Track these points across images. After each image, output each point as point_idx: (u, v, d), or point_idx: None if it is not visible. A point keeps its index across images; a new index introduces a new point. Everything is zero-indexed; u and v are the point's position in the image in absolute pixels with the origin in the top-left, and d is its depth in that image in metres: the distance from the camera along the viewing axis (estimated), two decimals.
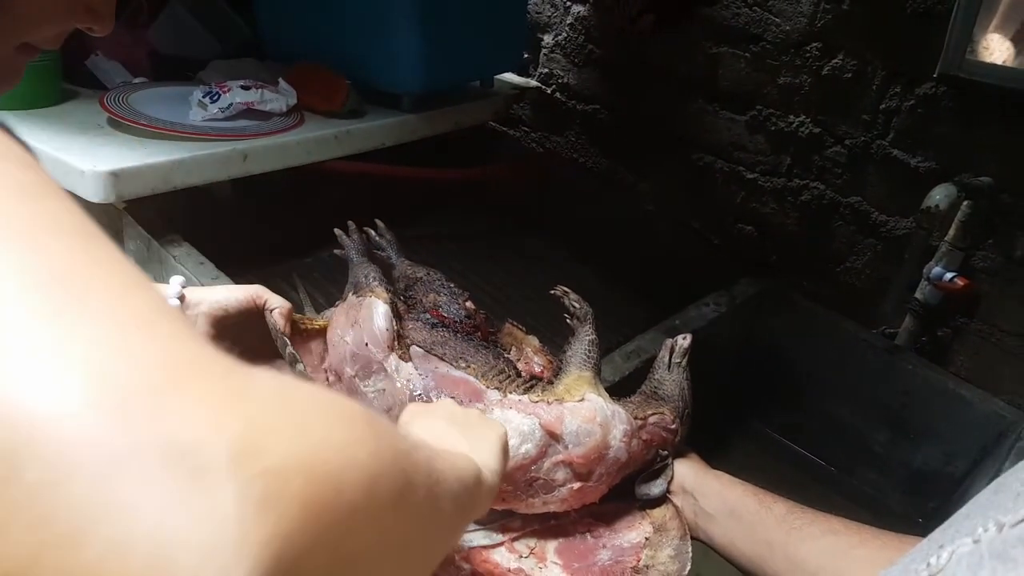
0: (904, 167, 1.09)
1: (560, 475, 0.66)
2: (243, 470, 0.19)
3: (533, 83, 1.53)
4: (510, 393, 0.67)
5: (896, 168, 1.10)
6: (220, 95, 1.16)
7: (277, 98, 1.19)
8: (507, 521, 0.71)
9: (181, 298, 0.68)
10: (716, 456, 1.06)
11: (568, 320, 0.78)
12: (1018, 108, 0.97)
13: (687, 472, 0.73)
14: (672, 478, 0.72)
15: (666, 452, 0.72)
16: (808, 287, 1.24)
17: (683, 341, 0.78)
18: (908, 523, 1.07)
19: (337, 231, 0.83)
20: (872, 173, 1.13)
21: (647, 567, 0.67)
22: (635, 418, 0.69)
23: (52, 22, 0.47)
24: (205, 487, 0.19)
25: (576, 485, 0.66)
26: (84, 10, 0.48)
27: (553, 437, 0.65)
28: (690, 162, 1.34)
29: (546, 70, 1.53)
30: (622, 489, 0.72)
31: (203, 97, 1.15)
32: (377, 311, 0.71)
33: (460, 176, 1.33)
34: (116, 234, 1.11)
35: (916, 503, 1.08)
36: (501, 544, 0.70)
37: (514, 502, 0.68)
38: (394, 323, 0.71)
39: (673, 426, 0.72)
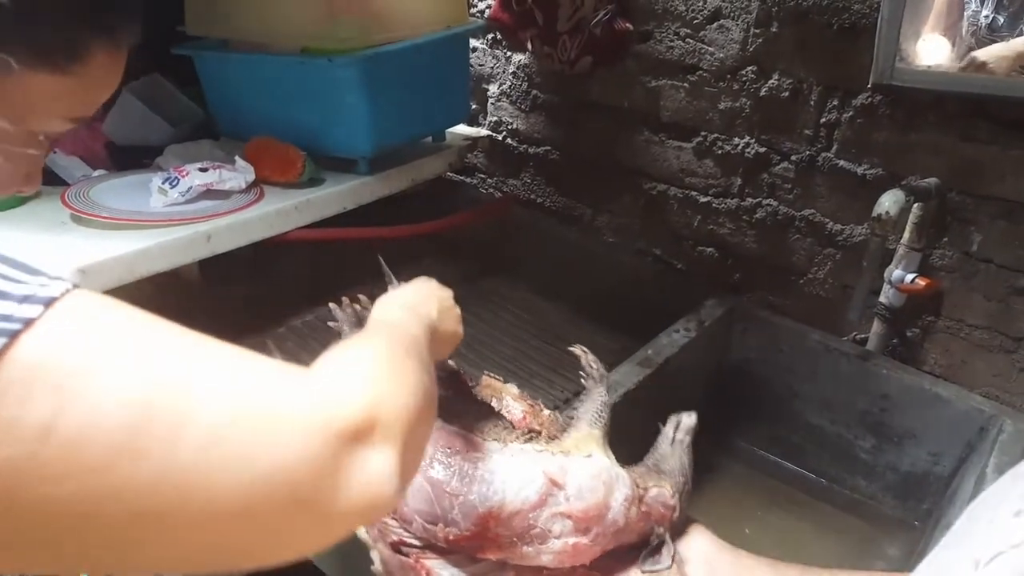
0: (852, 176, 1.12)
1: (557, 527, 0.66)
2: (378, 430, 0.38)
3: (484, 132, 1.57)
4: (511, 443, 0.68)
5: (844, 178, 1.13)
6: (179, 179, 1.17)
7: (235, 176, 1.21)
8: (499, 572, 0.71)
9: None
10: (705, 481, 1.07)
11: (583, 379, 0.81)
12: (953, 108, 1.01)
13: (704, 546, 0.74)
14: (675, 553, 0.72)
15: (662, 529, 0.72)
16: (774, 302, 1.26)
17: (688, 419, 0.80)
18: (904, 528, 1.07)
19: (331, 305, 0.85)
20: (821, 185, 1.16)
21: None
22: (636, 486, 0.70)
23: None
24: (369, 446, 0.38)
25: (572, 540, 0.66)
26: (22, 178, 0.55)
27: (555, 487, 0.65)
28: (644, 192, 1.37)
29: (495, 118, 1.57)
30: (615, 556, 0.72)
31: (163, 183, 1.16)
32: None
33: (422, 230, 1.35)
34: None
35: (909, 506, 1.09)
36: None
37: (509, 549, 0.68)
38: None
39: (672, 502, 0.72)
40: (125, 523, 0.32)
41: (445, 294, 0.71)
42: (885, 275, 1.10)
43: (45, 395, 0.31)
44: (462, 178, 1.63)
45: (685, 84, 1.25)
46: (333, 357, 0.43)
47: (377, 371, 0.42)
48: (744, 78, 1.18)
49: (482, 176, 1.63)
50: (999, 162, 0.99)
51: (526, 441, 0.70)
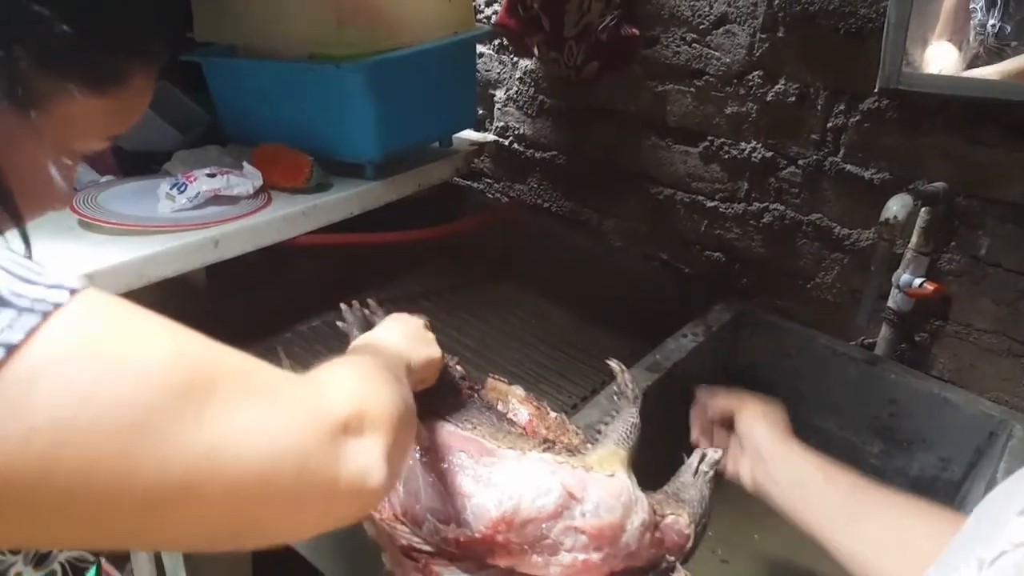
0: (859, 180, 1.12)
1: (569, 541, 0.66)
2: (366, 424, 0.45)
3: (490, 137, 1.57)
4: (529, 452, 0.68)
5: (851, 182, 1.13)
6: (187, 185, 1.18)
7: (243, 181, 1.21)
8: None
9: None
10: (716, 485, 1.07)
11: (616, 397, 0.81)
12: (959, 113, 1.01)
13: (764, 437, 0.77)
14: None
15: (673, 559, 0.72)
16: (781, 307, 1.26)
17: (713, 454, 0.80)
18: None
19: (343, 305, 0.87)
20: (829, 189, 1.16)
21: None
22: (654, 512, 0.70)
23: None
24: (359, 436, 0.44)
25: (582, 556, 0.66)
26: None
27: (572, 500, 0.65)
28: (650, 196, 1.37)
29: (501, 123, 1.57)
30: None
31: (170, 189, 1.17)
32: None
33: (428, 235, 1.35)
34: None
35: None
36: None
37: (518, 557, 0.68)
38: None
39: (687, 531, 0.72)
40: (157, 493, 0.35)
41: (414, 323, 0.75)
42: (893, 279, 1.10)
43: (82, 367, 0.34)
44: (468, 183, 1.63)
45: (691, 89, 1.26)
46: (324, 368, 0.52)
47: (362, 379, 0.50)
48: (751, 83, 1.18)
49: (489, 181, 1.63)
50: (1006, 166, 0.99)
51: (545, 450, 0.70)
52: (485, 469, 0.69)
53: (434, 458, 0.71)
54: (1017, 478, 0.43)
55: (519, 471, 0.68)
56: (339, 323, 0.85)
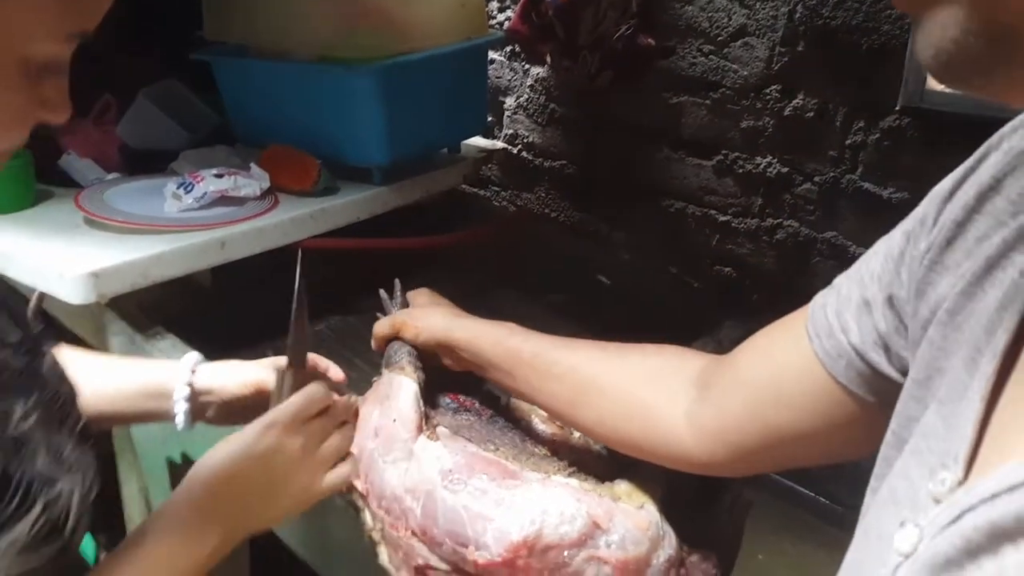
0: (876, 199, 1.11)
1: (591, 571, 0.63)
2: None
3: (499, 144, 1.56)
4: (554, 475, 0.66)
5: (868, 201, 1.12)
6: (194, 185, 1.16)
7: (250, 183, 1.20)
8: None
9: (191, 386, 0.72)
10: None
11: None
12: (982, 132, 0.99)
13: (437, 328, 0.73)
14: None
15: None
16: None
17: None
18: None
19: (382, 292, 0.85)
20: (845, 207, 1.15)
21: None
22: (680, 549, 0.68)
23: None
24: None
25: None
26: (38, 104, 0.48)
27: (598, 530, 0.63)
28: (661, 209, 1.36)
29: (511, 131, 1.56)
30: None
31: (177, 188, 1.15)
32: (406, 391, 0.71)
33: (435, 242, 1.34)
34: (99, 331, 1.10)
35: None
36: None
37: None
38: (421, 404, 0.71)
39: (714, 571, 0.70)
40: None
41: (289, 446, 0.61)
42: None
43: None
44: (476, 190, 1.62)
45: (707, 101, 1.24)
46: None
47: None
48: (768, 96, 1.17)
49: (496, 189, 1.62)
50: None
51: (570, 475, 0.68)
52: (507, 492, 0.67)
53: (455, 480, 0.69)
54: None
55: (543, 495, 0.66)
56: (378, 314, 0.83)
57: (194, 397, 0.72)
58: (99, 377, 0.71)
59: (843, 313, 0.49)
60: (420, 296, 0.83)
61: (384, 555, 0.64)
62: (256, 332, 1.18)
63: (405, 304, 0.84)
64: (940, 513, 0.32)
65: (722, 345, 1.15)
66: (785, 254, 1.23)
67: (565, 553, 0.63)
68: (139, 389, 0.74)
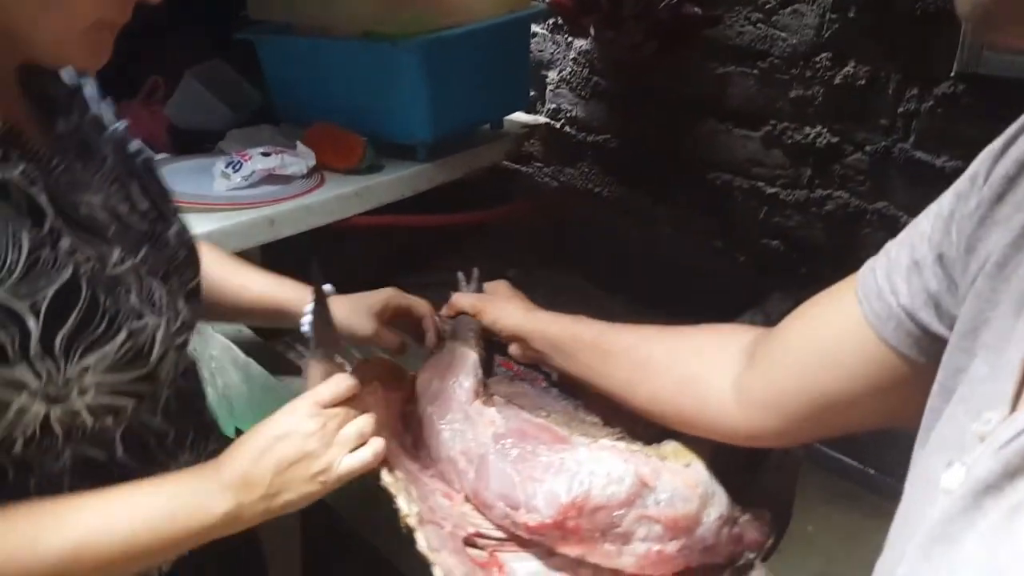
0: (929, 168, 1.08)
1: (643, 530, 0.64)
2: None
3: (542, 119, 1.55)
4: (601, 439, 0.67)
5: (921, 170, 1.09)
6: (242, 164, 1.18)
7: (296, 161, 1.21)
8: (576, 569, 0.70)
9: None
10: None
11: None
12: None
13: (512, 319, 0.78)
14: None
15: (753, 555, 0.70)
16: None
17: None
18: None
19: (460, 274, 0.90)
20: (896, 177, 1.12)
21: None
22: (732, 507, 0.68)
23: None
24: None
25: (656, 547, 0.64)
26: None
27: (645, 488, 0.64)
28: (707, 182, 1.34)
29: (553, 105, 1.54)
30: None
31: (226, 167, 1.17)
32: (468, 360, 0.75)
33: (479, 218, 1.34)
34: None
35: None
36: None
37: (589, 544, 0.66)
38: (480, 373, 0.74)
39: (768, 528, 0.70)
40: None
41: (308, 427, 0.61)
42: None
43: None
44: (518, 167, 1.61)
45: (755, 71, 1.22)
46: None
47: None
48: (818, 65, 1.15)
49: (538, 165, 1.61)
50: None
51: (618, 439, 0.69)
52: (556, 455, 0.68)
53: (507, 444, 0.70)
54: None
55: (591, 457, 0.67)
56: (453, 292, 0.87)
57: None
58: (227, 270, 0.80)
59: (892, 276, 0.49)
60: (500, 287, 0.87)
61: (422, 540, 0.65)
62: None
63: (479, 289, 0.87)
64: (984, 448, 0.33)
65: (770, 318, 1.14)
66: (834, 226, 1.21)
67: (615, 513, 0.63)
68: (260, 301, 0.82)
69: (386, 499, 0.81)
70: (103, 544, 0.53)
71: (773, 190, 1.26)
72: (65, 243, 0.52)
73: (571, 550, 0.67)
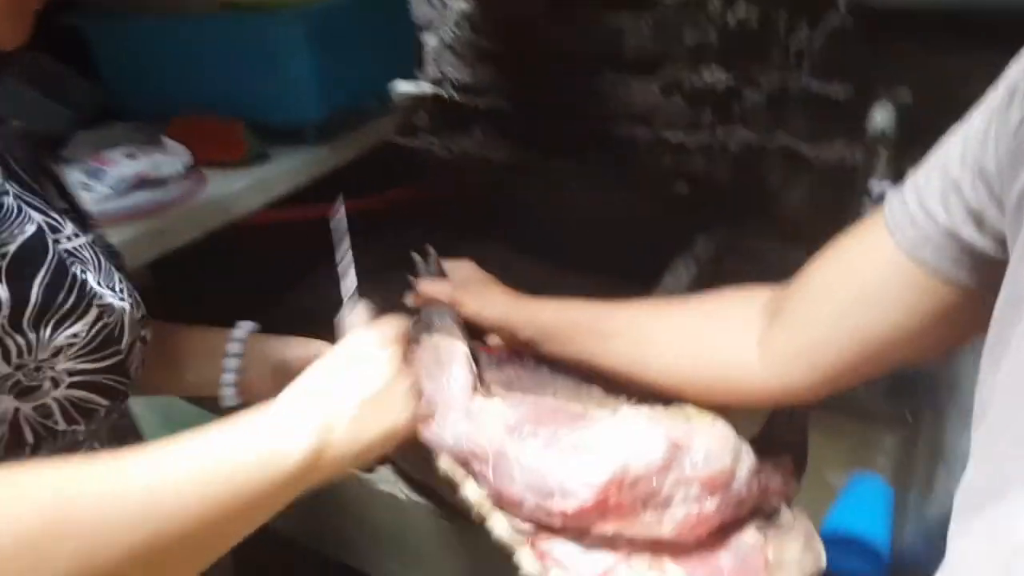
0: (824, 100, 1.13)
1: (681, 493, 0.62)
2: None
3: (427, 88, 1.46)
4: (620, 408, 0.63)
5: (817, 102, 1.14)
6: (104, 171, 1.01)
7: (169, 160, 1.06)
8: (612, 547, 0.66)
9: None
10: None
11: None
12: (931, 26, 1.03)
13: (497, 310, 0.72)
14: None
15: (777, 501, 0.69)
16: (755, 231, 1.26)
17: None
18: (899, 423, 1.09)
19: (416, 255, 0.79)
20: (793, 110, 1.16)
21: (778, 563, 0.65)
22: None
23: None
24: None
25: (696, 509, 0.62)
26: None
27: (680, 450, 0.61)
28: (609, 134, 1.33)
29: (437, 73, 1.46)
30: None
31: (84, 178, 0.99)
32: (457, 353, 0.67)
33: (386, 200, 1.25)
34: None
35: (902, 401, 1.09)
36: (618, 564, 0.66)
37: (630, 518, 0.63)
38: (473, 365, 0.67)
39: (791, 476, 0.69)
40: None
41: (377, 369, 0.55)
42: (871, 193, 1.13)
43: None
44: (406, 142, 1.52)
45: (647, 19, 1.21)
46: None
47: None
48: (710, 6, 1.16)
49: (430, 138, 1.52)
50: (969, 73, 1.03)
51: (637, 403, 0.65)
52: (580, 434, 0.63)
53: (523, 433, 0.65)
54: None
55: (617, 429, 0.63)
56: (411, 277, 0.77)
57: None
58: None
59: (926, 201, 0.48)
60: (463, 269, 0.78)
61: (503, 525, 0.59)
62: (212, 321, 1.07)
63: (440, 272, 0.78)
64: None
65: (700, 261, 1.16)
66: (740, 164, 1.24)
67: (655, 480, 0.60)
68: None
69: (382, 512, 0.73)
70: (174, 497, 0.40)
71: (676, 137, 1.28)
72: (23, 201, 0.49)
73: (609, 527, 0.63)
